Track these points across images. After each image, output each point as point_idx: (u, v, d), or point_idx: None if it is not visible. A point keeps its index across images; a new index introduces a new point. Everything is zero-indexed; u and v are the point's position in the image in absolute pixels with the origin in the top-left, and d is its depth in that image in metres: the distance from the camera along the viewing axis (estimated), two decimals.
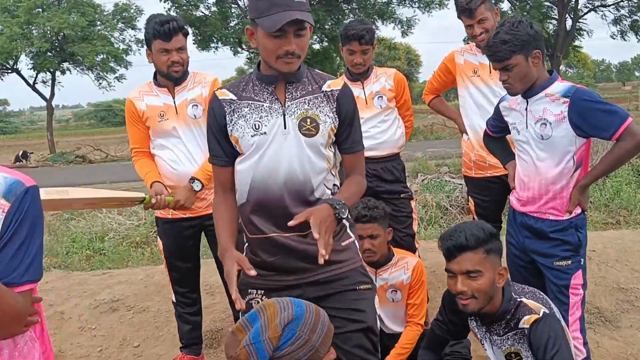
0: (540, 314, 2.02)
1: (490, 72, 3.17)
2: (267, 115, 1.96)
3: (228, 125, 2.00)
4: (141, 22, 25.31)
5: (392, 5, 22.55)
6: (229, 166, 2.06)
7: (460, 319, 2.30)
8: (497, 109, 2.67)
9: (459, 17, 3.41)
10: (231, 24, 22.52)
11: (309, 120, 1.95)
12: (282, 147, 1.95)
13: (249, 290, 2.06)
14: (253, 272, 1.89)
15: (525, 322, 2.03)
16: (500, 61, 2.36)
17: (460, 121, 3.50)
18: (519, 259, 2.61)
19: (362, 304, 2.02)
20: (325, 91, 2.00)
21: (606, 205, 7.17)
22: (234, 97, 2.01)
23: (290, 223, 1.85)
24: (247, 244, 2.10)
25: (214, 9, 22.41)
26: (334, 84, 2.02)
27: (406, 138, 3.60)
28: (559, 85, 2.39)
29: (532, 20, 2.45)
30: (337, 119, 1.99)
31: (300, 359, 1.61)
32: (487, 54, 2.44)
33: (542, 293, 2.17)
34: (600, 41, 38.50)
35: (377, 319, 2.06)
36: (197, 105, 3.02)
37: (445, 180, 8.75)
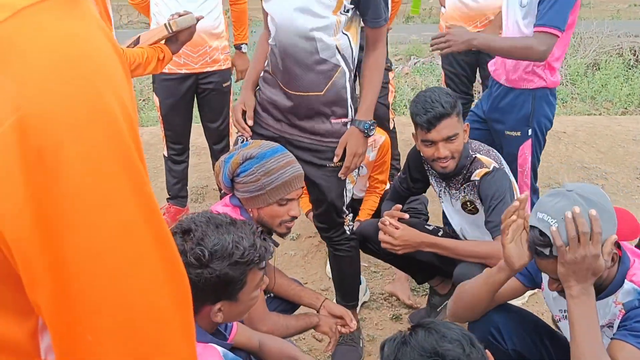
0: (490, 168, 2.21)
1: None
2: None
3: None
4: None
5: None
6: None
7: (422, 175, 2.50)
8: None
9: None
10: None
11: None
12: None
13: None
14: (250, 122, 2.20)
15: (477, 174, 2.23)
16: None
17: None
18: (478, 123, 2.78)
19: (329, 180, 2.19)
20: None
21: (592, 97, 7.26)
22: None
23: (334, 160, 2.10)
24: (263, 78, 2.22)
25: None
26: None
27: (391, 17, 3.59)
28: None
29: None
30: None
31: (251, 192, 1.85)
32: None
33: (495, 151, 2.36)
34: None
35: (342, 192, 2.24)
36: None
37: (437, 64, 8.74)
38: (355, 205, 3.22)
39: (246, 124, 2.23)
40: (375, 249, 2.50)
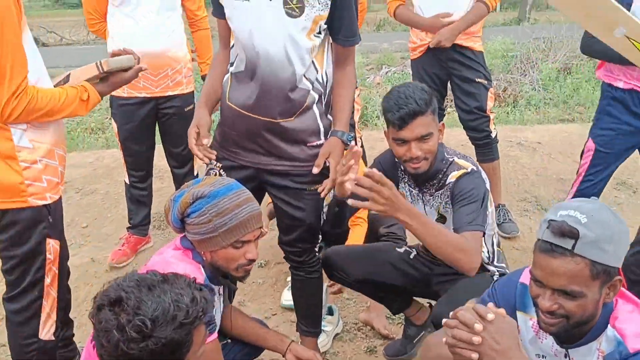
0: (469, 170, 2.07)
1: None
2: None
3: None
4: None
5: None
6: (224, 19, 2.02)
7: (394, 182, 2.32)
8: None
9: None
10: None
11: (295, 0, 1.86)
12: (262, 20, 1.87)
13: (211, 161, 2.11)
14: (206, 141, 2.08)
15: (452, 177, 2.07)
16: None
17: (427, 22, 3.33)
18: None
19: (308, 203, 2.09)
20: None
21: (564, 102, 7.23)
22: None
23: (314, 171, 2.00)
24: (223, 110, 2.11)
25: None
26: None
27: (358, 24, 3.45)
28: None
29: None
30: (328, 6, 1.89)
31: (202, 234, 1.68)
32: None
33: (472, 157, 2.21)
34: None
35: (320, 214, 2.17)
36: None
37: (409, 73, 8.66)
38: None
39: (204, 149, 2.08)
40: (343, 277, 2.36)
